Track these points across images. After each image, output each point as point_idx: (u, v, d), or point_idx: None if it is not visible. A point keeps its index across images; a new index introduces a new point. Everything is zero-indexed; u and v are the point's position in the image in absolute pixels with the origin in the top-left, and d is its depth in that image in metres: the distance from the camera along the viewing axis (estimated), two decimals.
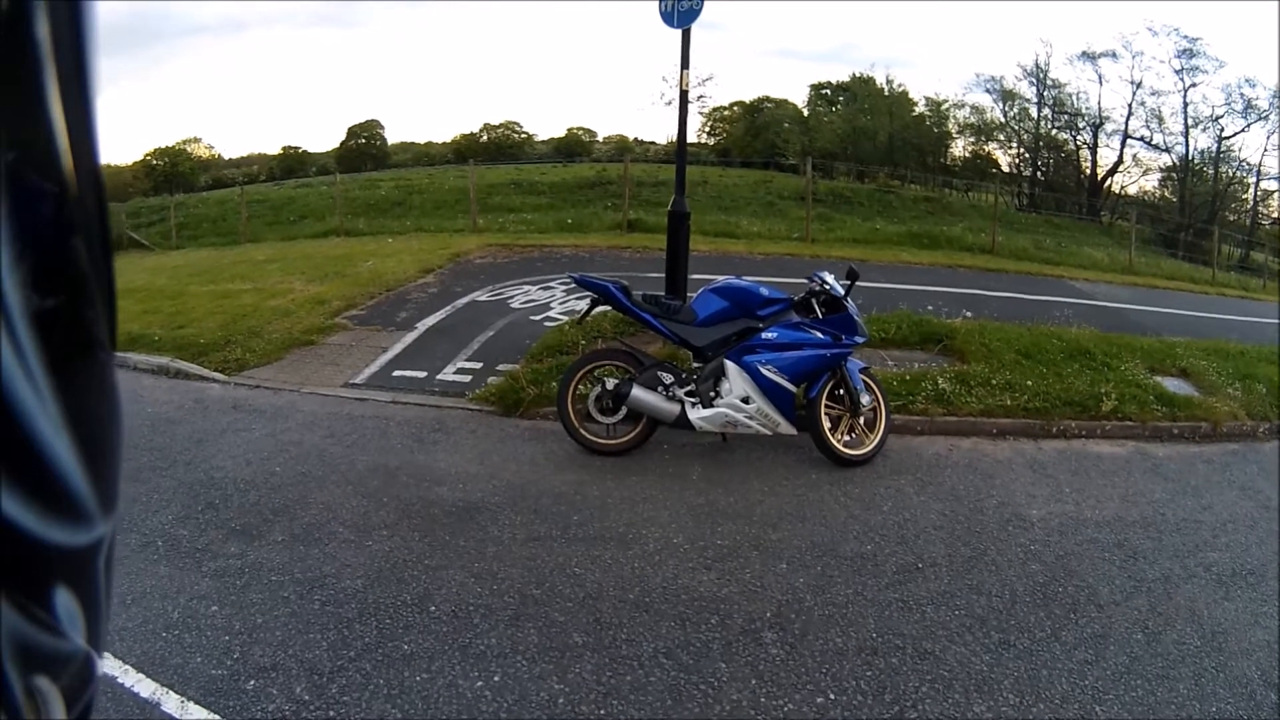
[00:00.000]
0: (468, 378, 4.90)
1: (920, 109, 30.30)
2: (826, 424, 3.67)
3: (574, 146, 39.80)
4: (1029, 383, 4.58)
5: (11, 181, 0.30)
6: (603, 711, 2.01)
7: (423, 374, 4.98)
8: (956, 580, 2.72)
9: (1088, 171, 27.28)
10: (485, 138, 40.99)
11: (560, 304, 6.76)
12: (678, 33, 5.19)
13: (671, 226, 5.47)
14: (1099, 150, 26.92)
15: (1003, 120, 28.32)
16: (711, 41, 52.23)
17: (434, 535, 2.93)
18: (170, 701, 2.01)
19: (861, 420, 3.77)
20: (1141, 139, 25.81)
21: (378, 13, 60.95)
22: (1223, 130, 24.41)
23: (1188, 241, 18.26)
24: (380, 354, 5.41)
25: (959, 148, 30.51)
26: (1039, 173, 28.65)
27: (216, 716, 1.97)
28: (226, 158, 40.40)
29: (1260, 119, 23.54)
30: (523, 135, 42.09)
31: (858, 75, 31.78)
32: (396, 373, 5.03)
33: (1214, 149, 24.86)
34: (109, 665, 2.12)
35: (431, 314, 6.45)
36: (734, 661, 2.23)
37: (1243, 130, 24.13)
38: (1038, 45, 45.28)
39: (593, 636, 2.32)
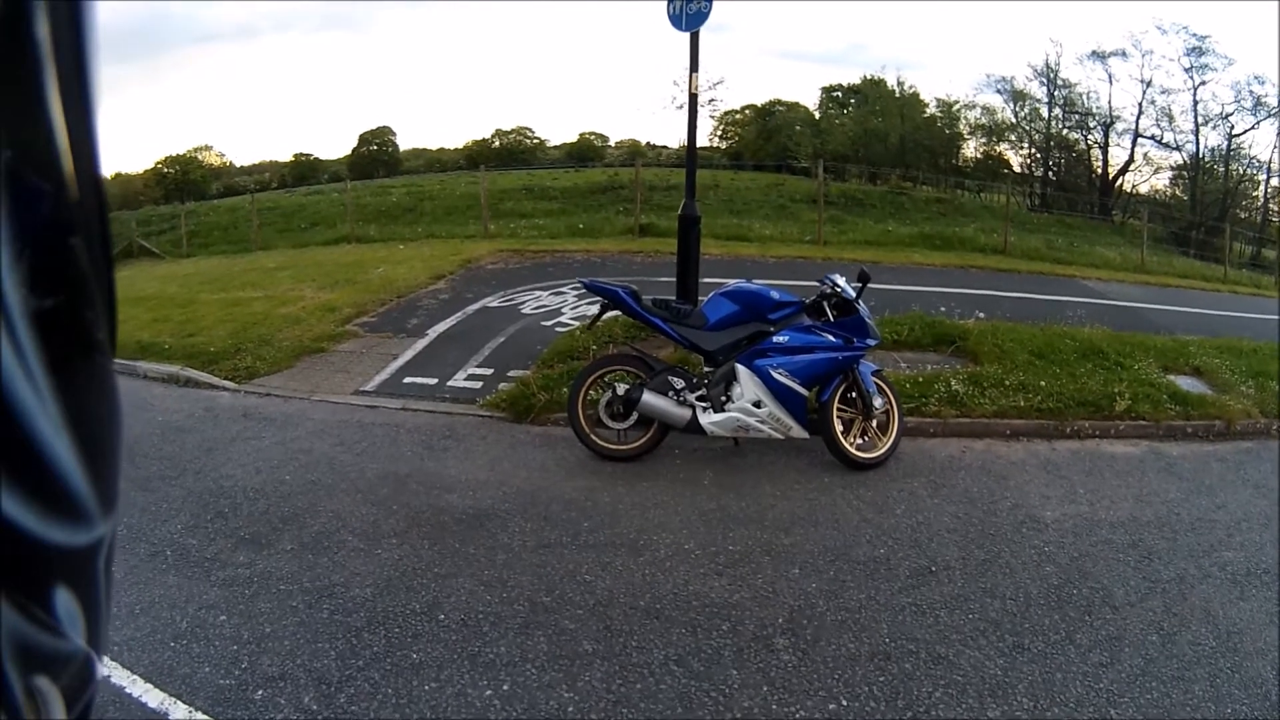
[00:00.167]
0: (478, 384, 4.91)
1: (931, 110, 30.21)
2: (839, 427, 3.65)
3: (586, 152, 39.86)
4: (1042, 383, 4.54)
5: (11, 182, 0.30)
6: None
7: (433, 381, 5.00)
8: (970, 583, 2.69)
9: (1099, 171, 27.10)
10: (497, 143, 41.21)
11: (571, 309, 6.75)
12: (686, 36, 5.20)
13: (682, 230, 5.47)
14: (1110, 149, 26.77)
15: (1014, 121, 28.20)
16: (720, 44, 52.45)
17: (444, 543, 2.93)
18: (178, 711, 2.02)
19: (874, 423, 3.74)
20: (1152, 137, 25.64)
21: (389, 18, 61.75)
22: (1233, 128, 24.23)
23: (1199, 239, 18.04)
24: (391, 361, 5.43)
25: (970, 148, 30.41)
26: (1050, 173, 28.47)
27: None
28: (238, 165, 40.74)
29: (1270, 116, 23.32)
30: (535, 141, 42.25)
31: (868, 77, 31.64)
32: (407, 380, 5.05)
33: (1224, 146, 24.68)
34: (117, 675, 2.13)
35: (442, 320, 6.47)
36: (745, 668, 2.21)
37: (1252, 127, 23.96)
38: (1048, 45, 44.88)
39: (603, 644, 2.31)
